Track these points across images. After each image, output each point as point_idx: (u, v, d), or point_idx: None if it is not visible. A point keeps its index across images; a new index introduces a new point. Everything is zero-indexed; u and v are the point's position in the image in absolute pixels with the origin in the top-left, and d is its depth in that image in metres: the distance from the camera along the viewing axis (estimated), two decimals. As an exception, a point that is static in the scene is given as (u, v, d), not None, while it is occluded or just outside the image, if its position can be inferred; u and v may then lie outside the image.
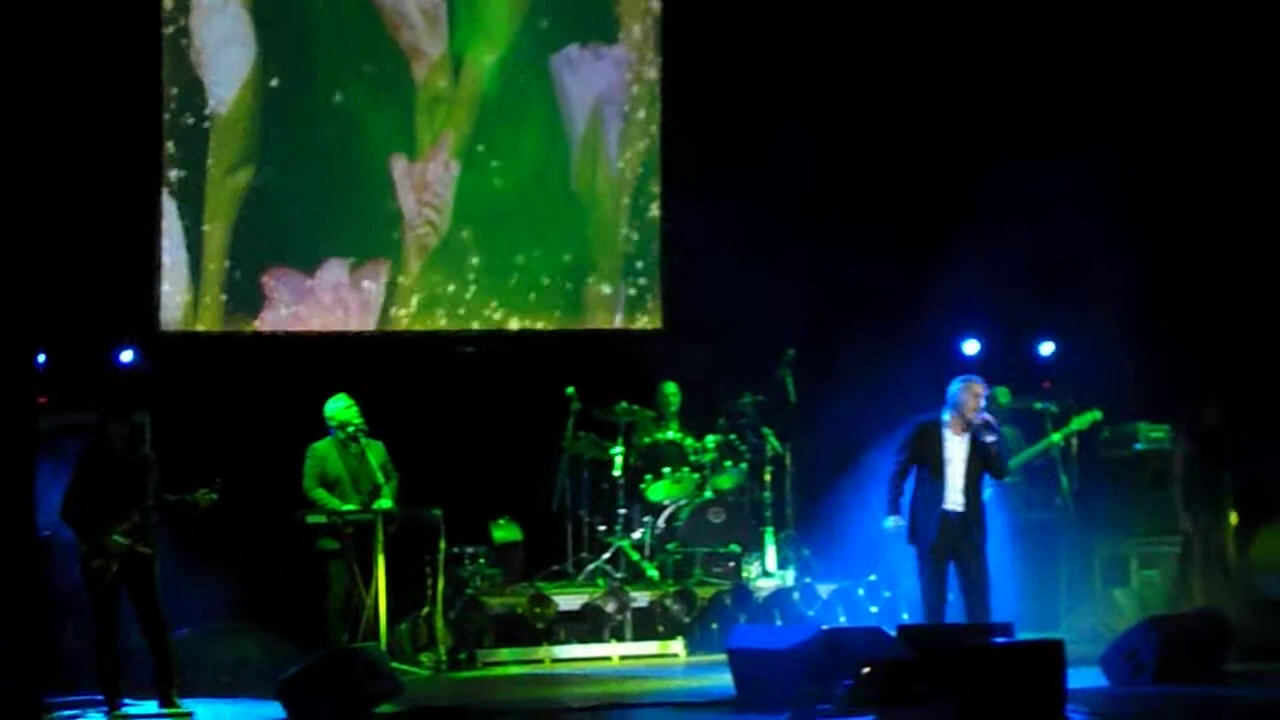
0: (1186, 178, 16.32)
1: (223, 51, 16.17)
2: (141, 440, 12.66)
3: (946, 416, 12.91)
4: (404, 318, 16.53)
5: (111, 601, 12.18)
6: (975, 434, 12.81)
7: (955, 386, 12.94)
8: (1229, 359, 15.69)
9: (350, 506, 13.63)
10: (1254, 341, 15.90)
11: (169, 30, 16.02)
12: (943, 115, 16.63)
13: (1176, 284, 16.11)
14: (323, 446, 13.83)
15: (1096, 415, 15.14)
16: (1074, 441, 15.52)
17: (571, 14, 17.02)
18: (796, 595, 14.98)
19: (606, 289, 17.04)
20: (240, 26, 16.21)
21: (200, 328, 16.13)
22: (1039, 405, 15.45)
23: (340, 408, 13.82)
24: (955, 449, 12.87)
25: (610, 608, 14.63)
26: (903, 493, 12.91)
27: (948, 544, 12.78)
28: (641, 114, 17.11)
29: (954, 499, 12.83)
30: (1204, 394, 14.86)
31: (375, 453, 13.78)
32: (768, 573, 15.57)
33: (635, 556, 15.44)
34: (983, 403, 12.89)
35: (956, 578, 12.96)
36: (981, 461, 12.88)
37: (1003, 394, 15.09)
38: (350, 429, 13.72)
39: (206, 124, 16.12)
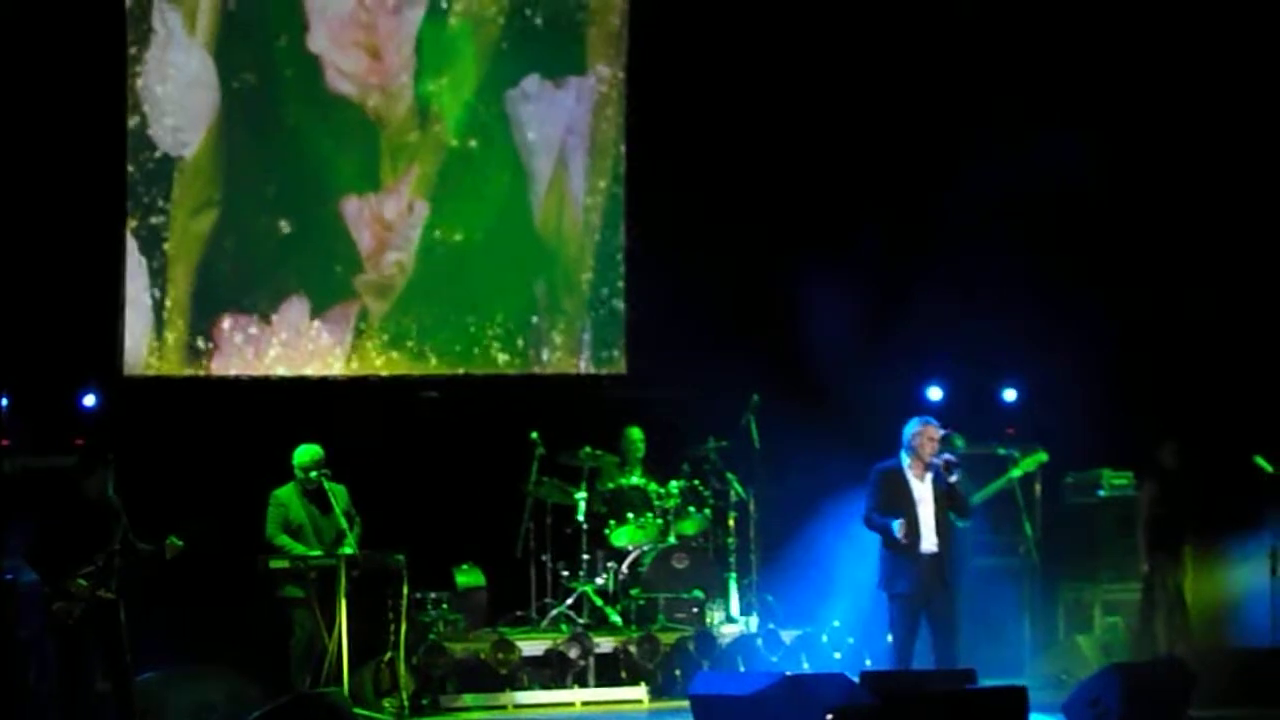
0: (1151, 224, 16.40)
1: (187, 94, 16.12)
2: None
3: (906, 460, 12.89)
4: (367, 361, 16.48)
5: (75, 647, 12.07)
6: (938, 475, 12.78)
7: (911, 429, 12.90)
8: (1190, 406, 15.76)
9: (315, 552, 13.56)
10: (1216, 389, 15.96)
11: (134, 72, 15.98)
12: (910, 159, 16.66)
13: (1140, 331, 16.18)
14: (285, 493, 13.74)
15: (1042, 456, 15.25)
16: (1037, 487, 15.58)
17: (538, 54, 16.97)
18: (760, 641, 14.96)
19: (571, 332, 17.02)
20: (204, 70, 16.16)
21: (163, 371, 16.05)
22: (1002, 450, 15.48)
23: (307, 455, 13.74)
24: (922, 490, 12.84)
25: (573, 653, 14.60)
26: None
27: (923, 590, 12.70)
28: (607, 155, 17.11)
29: (929, 539, 12.77)
30: (1162, 437, 14.94)
31: (339, 498, 13.71)
32: (731, 618, 15.54)
33: (599, 602, 15.41)
34: (938, 444, 12.87)
35: (926, 620, 12.90)
36: (947, 500, 12.85)
37: (958, 439, 15.09)
38: (315, 475, 13.63)
39: (171, 166, 16.08)
